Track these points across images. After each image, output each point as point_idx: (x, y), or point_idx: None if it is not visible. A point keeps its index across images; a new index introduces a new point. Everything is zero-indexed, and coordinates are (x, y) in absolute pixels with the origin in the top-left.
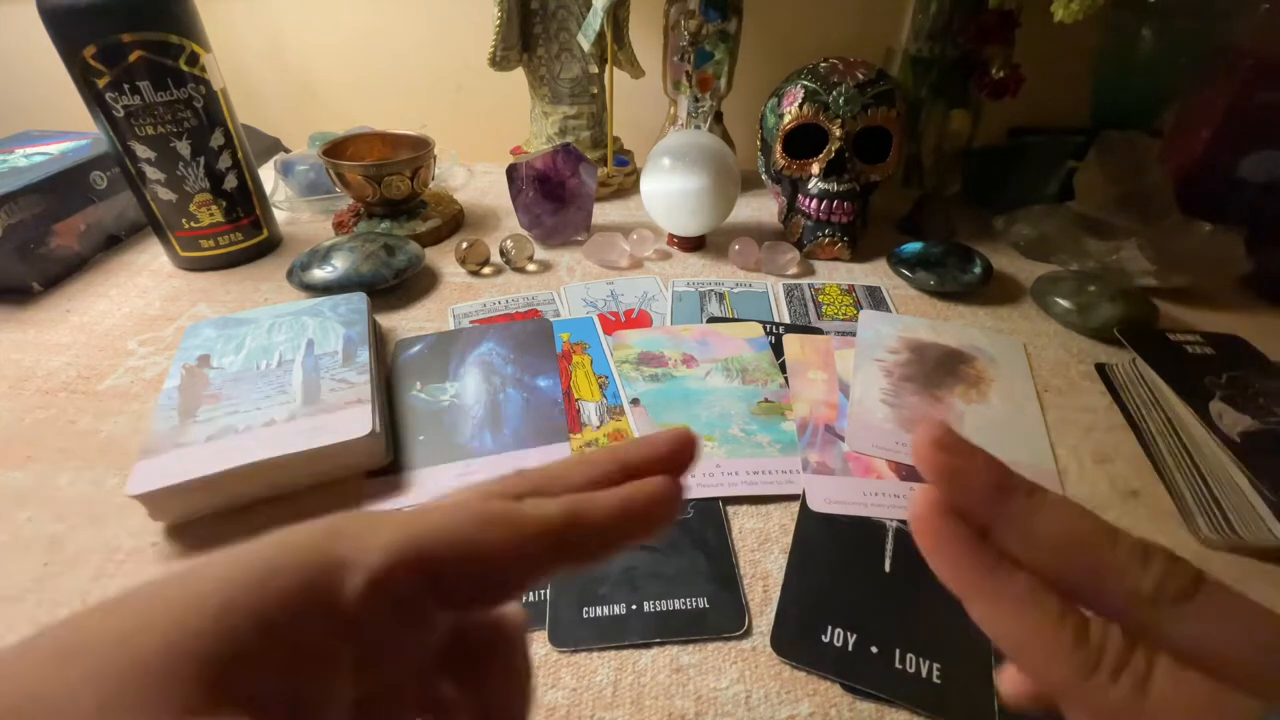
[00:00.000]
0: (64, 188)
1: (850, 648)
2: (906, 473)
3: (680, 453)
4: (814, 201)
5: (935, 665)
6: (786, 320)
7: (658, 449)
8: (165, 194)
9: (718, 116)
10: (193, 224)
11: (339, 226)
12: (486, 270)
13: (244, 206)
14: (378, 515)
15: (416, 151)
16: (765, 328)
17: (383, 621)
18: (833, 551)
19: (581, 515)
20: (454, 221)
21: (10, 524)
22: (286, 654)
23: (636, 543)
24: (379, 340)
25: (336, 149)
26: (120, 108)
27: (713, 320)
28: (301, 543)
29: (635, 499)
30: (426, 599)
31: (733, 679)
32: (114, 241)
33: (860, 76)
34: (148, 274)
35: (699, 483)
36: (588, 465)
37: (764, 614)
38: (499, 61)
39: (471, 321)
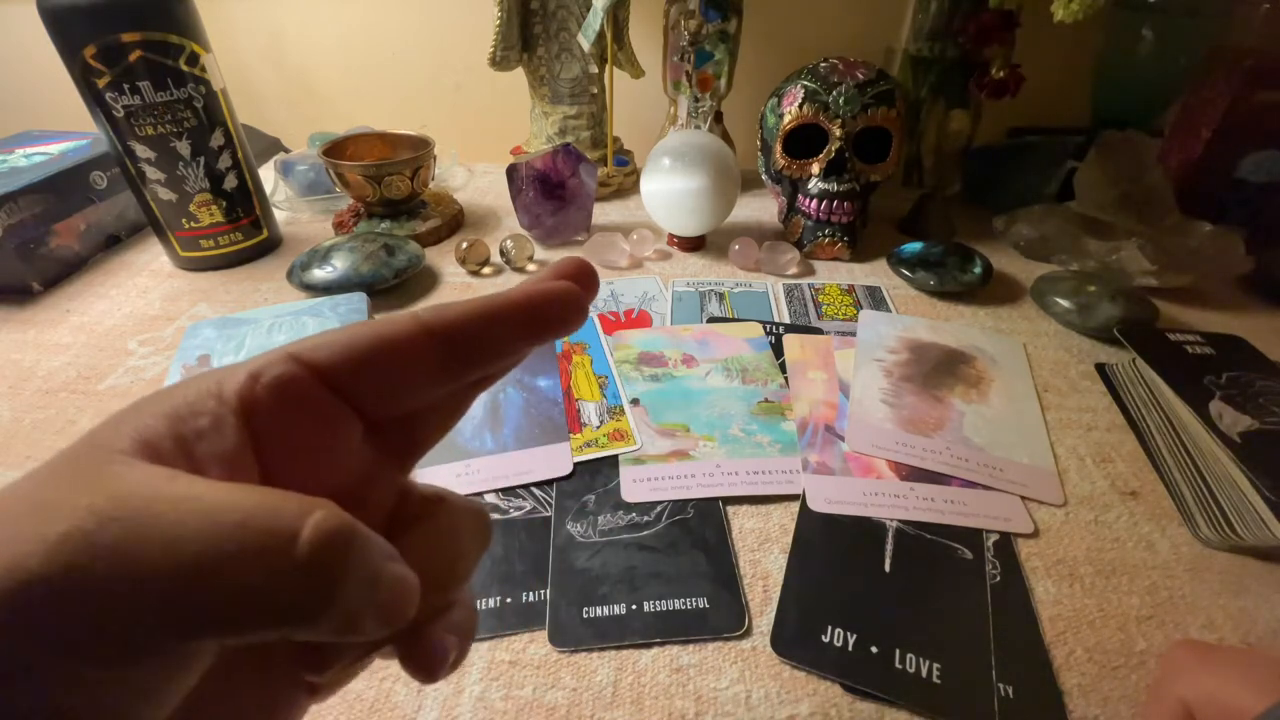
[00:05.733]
0: (64, 188)
1: (850, 648)
2: (907, 473)
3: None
4: (814, 201)
5: (935, 665)
6: (786, 320)
7: (559, 272)
8: (165, 194)
9: (718, 116)
10: (193, 224)
11: (339, 226)
12: (486, 270)
13: (244, 206)
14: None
15: (416, 151)
16: (765, 328)
17: (268, 409)
18: (833, 551)
19: (483, 309)
20: (454, 221)
21: None
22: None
23: (536, 337)
24: None
25: (336, 149)
26: (120, 108)
27: (713, 320)
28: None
29: (538, 291)
30: (312, 391)
31: (733, 679)
32: (114, 241)
33: (860, 76)
34: (148, 274)
35: (699, 483)
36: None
37: (764, 614)
38: (499, 61)
39: None
